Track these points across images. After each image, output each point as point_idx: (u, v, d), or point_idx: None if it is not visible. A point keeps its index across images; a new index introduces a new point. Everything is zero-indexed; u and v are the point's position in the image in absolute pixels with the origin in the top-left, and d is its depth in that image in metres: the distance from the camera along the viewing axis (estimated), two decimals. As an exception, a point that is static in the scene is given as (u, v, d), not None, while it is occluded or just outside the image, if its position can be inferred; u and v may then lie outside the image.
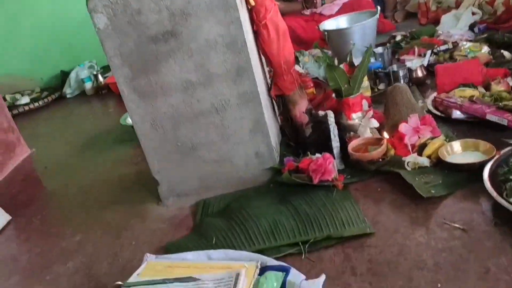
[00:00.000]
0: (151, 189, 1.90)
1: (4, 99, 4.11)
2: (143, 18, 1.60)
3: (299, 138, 1.95)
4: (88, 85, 4.19)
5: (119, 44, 1.63)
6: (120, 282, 1.19)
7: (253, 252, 1.36)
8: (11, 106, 3.97)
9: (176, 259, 1.34)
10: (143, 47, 1.63)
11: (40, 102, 4.13)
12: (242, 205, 1.67)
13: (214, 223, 1.61)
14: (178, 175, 1.83)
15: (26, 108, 4.07)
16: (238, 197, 1.75)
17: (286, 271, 1.21)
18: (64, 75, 4.38)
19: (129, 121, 2.66)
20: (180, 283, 1.15)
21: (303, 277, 1.20)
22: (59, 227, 1.93)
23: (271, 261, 1.27)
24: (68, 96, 4.29)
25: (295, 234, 1.43)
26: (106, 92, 4.03)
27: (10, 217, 2.06)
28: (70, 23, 4.26)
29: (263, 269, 1.22)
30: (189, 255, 1.37)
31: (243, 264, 1.22)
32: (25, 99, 4.16)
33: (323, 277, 1.19)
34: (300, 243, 1.38)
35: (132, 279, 1.21)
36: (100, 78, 4.11)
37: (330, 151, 1.72)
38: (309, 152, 1.75)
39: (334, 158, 1.69)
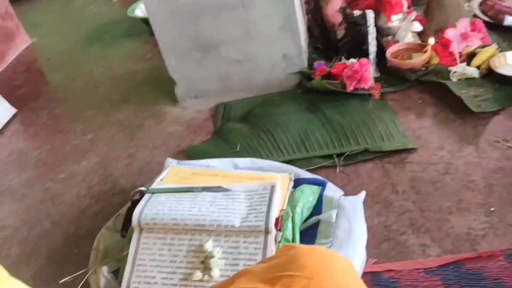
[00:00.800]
0: (166, 89, 1.76)
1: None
2: None
3: (330, 41, 1.77)
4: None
5: None
6: (143, 188, 1.10)
7: (282, 162, 1.26)
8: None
9: (200, 165, 1.24)
10: None
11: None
12: (267, 111, 1.54)
13: (237, 128, 1.50)
14: (197, 74, 1.68)
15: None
16: (262, 102, 1.62)
17: (322, 185, 1.12)
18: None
19: (138, 13, 2.44)
20: (209, 193, 1.06)
21: (341, 192, 1.11)
22: (68, 123, 1.82)
23: (305, 174, 1.18)
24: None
25: (329, 145, 1.33)
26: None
27: (16, 110, 1.94)
28: None
29: (297, 182, 1.13)
30: (214, 162, 1.27)
31: (275, 175, 1.13)
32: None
33: (363, 194, 1.10)
34: (334, 156, 1.28)
35: (155, 185, 1.12)
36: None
37: (365, 56, 1.56)
38: (342, 57, 1.59)
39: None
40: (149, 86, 1.93)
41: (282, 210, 1.01)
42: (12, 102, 1.96)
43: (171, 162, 1.27)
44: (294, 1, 1.54)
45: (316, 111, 1.48)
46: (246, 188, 1.07)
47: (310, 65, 1.65)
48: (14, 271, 0.40)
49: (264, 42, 1.60)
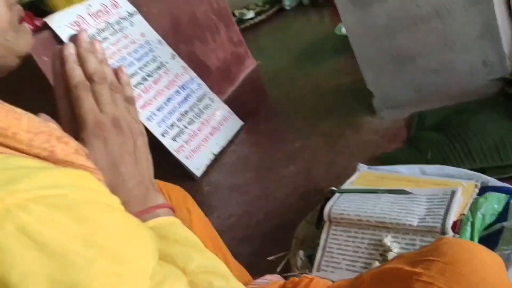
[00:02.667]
0: (365, 100, 1.91)
1: (234, 14, 4.54)
2: None
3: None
4: (305, -5, 4.26)
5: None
6: (334, 188, 1.29)
7: (473, 170, 1.28)
8: (239, 21, 4.36)
9: (389, 171, 1.35)
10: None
11: (263, 16, 4.41)
12: (462, 119, 1.55)
13: (430, 137, 1.55)
14: (393, 86, 1.78)
15: (251, 22, 4.41)
16: (458, 111, 1.62)
17: (510, 193, 1.11)
18: (284, -14, 4.53)
19: (343, 30, 2.65)
20: (392, 195, 1.17)
21: (532, 202, 1.08)
22: (282, 133, 2.14)
23: (493, 182, 1.18)
24: (287, 7, 4.46)
25: (526, 154, 1.28)
26: (322, 2, 4.03)
27: (243, 123, 2.36)
28: None
29: (483, 190, 1.14)
30: (402, 168, 1.36)
31: (461, 182, 1.17)
32: (251, 14, 4.50)
33: (558, 205, 1.05)
34: (531, 165, 1.23)
35: (346, 186, 1.29)
36: (317, -14, 4.12)
37: None
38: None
39: None
40: (350, 99, 2.11)
41: (462, 214, 1.06)
42: (240, 116, 2.40)
43: (362, 167, 1.42)
44: (495, 7, 1.51)
45: (517, 118, 1.42)
46: (427, 192, 1.14)
47: (516, 70, 1.58)
48: (237, 249, 0.58)
49: (462, 50, 1.61)
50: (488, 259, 0.64)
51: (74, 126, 0.55)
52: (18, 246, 0.31)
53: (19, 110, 0.42)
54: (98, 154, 0.54)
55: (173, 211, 0.58)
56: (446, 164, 1.36)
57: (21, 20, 0.50)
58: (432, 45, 1.64)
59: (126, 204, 0.46)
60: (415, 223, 1.06)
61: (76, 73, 0.54)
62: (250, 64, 3.16)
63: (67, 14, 1.84)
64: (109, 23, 2.05)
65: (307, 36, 3.39)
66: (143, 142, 0.59)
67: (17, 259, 0.31)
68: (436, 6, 1.55)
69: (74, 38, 0.56)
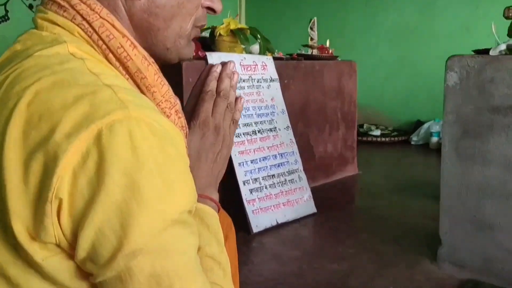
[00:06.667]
0: (433, 247, 1.92)
1: (362, 126, 4.77)
2: (492, 88, 1.64)
3: None
4: (434, 140, 4.34)
5: (459, 104, 1.73)
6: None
7: None
8: (364, 133, 4.56)
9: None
10: (481, 113, 1.68)
11: (387, 139, 4.57)
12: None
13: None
14: (463, 245, 1.78)
15: (375, 139, 4.58)
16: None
17: None
18: (419, 124, 4.67)
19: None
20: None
21: None
22: (344, 235, 2.21)
23: None
24: (412, 142, 4.56)
25: None
26: (448, 152, 4.07)
27: (315, 211, 2.47)
28: (436, 78, 4.49)
29: None
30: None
31: None
32: (377, 132, 4.69)
33: None
34: None
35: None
36: (448, 137, 4.18)
37: None
38: None
39: None
40: (421, 239, 2.12)
41: None
42: (317, 205, 2.51)
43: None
44: None
45: None
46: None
47: None
48: None
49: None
50: None
51: (189, 117, 0.75)
52: (121, 138, 0.46)
53: (165, 81, 0.62)
54: (193, 141, 0.73)
55: (218, 209, 0.74)
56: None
57: (193, 39, 0.71)
58: (516, 225, 1.64)
59: None
60: None
61: (211, 85, 0.75)
62: (352, 171, 3.31)
63: (224, 57, 2.20)
64: (252, 78, 2.38)
65: (416, 173, 3.45)
66: (226, 153, 0.77)
67: (117, 144, 0.46)
68: (533, 191, 1.58)
69: (224, 64, 0.78)
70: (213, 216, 0.70)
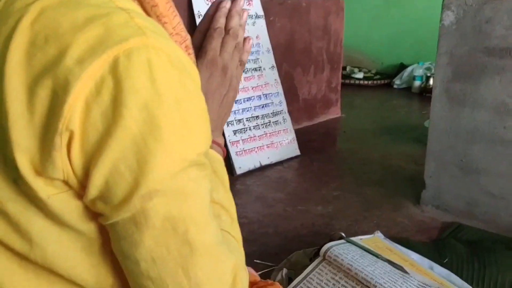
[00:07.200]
0: (416, 190, 1.92)
1: (345, 68, 4.69)
2: (489, 28, 1.58)
3: None
4: (417, 83, 4.31)
5: (454, 45, 1.67)
6: (343, 235, 1.33)
7: (477, 291, 1.27)
8: (346, 76, 4.49)
9: (400, 249, 1.38)
10: (475, 55, 1.62)
11: (369, 82, 4.52)
12: (495, 248, 1.53)
13: (456, 247, 1.54)
14: (448, 189, 1.79)
15: (357, 82, 4.52)
16: (496, 240, 1.60)
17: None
18: (402, 67, 4.61)
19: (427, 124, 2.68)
20: (389, 265, 1.20)
21: None
22: (329, 178, 2.20)
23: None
24: (394, 86, 4.53)
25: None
26: (429, 97, 4.06)
27: (299, 153, 2.44)
28: (424, 20, 4.40)
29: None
30: (414, 255, 1.38)
31: (457, 290, 1.17)
32: (360, 75, 4.62)
33: None
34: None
35: (354, 239, 1.33)
36: (431, 81, 4.15)
37: None
38: None
39: None
40: (404, 182, 2.13)
41: (441, 313, 1.07)
42: (301, 148, 2.48)
43: (379, 234, 1.45)
44: None
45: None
46: (421, 279, 1.16)
47: None
48: (244, 246, 0.65)
49: (527, 189, 1.60)
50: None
51: (195, 55, 0.67)
52: (140, 67, 0.42)
53: (177, 12, 0.56)
54: (200, 80, 0.67)
55: (224, 154, 0.69)
56: (457, 276, 1.36)
57: None
58: (501, 169, 1.65)
59: None
60: (395, 296, 1.08)
61: (220, 21, 0.68)
62: (335, 113, 3.27)
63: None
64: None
65: (399, 117, 3.43)
66: (233, 96, 0.71)
67: (135, 73, 0.42)
68: (523, 136, 1.57)
69: (234, 0, 0.71)
70: (219, 161, 0.66)
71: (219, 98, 0.68)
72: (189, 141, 0.45)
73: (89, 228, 0.46)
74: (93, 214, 0.46)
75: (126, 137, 0.41)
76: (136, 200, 0.42)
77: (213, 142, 0.67)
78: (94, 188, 0.42)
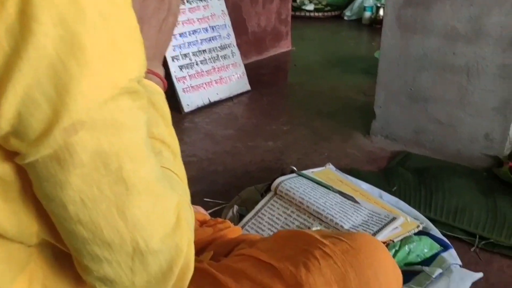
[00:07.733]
0: (366, 121, 1.92)
1: (295, 0, 4.54)
2: (441, -51, 1.51)
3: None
4: (367, 14, 4.24)
5: (404, -32, 1.60)
6: (294, 168, 1.30)
7: (425, 217, 1.29)
8: (297, 8, 4.35)
9: (351, 180, 1.37)
10: (426, -21, 1.57)
11: (320, 14, 4.41)
12: (441, 174, 1.56)
13: (404, 174, 1.56)
14: (397, 118, 1.79)
15: (308, 14, 4.40)
16: (442, 166, 1.63)
17: (445, 247, 1.13)
18: (352, -2, 4.52)
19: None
20: (340, 197, 1.19)
21: (459, 262, 1.10)
22: (278, 113, 2.16)
23: (435, 232, 1.20)
24: (345, 18, 4.45)
25: (478, 226, 1.29)
26: (379, 28, 4.02)
27: (250, 88, 2.37)
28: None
29: (422, 233, 1.16)
30: (364, 185, 1.38)
31: (406, 216, 1.19)
32: (310, 6, 4.49)
33: (479, 275, 1.07)
34: (477, 236, 1.25)
35: (306, 172, 1.30)
36: (381, 12, 4.10)
37: None
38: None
39: None
40: (354, 113, 2.12)
41: (391, 240, 1.07)
42: (251, 83, 2.41)
43: (330, 166, 1.44)
44: (522, 88, 1.52)
45: (488, 196, 1.44)
46: (371, 208, 1.16)
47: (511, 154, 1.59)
48: (193, 185, 0.60)
49: (472, 114, 1.62)
50: (389, 266, 0.66)
51: None
52: None
53: None
54: (134, 3, 0.56)
55: (165, 87, 0.62)
56: (406, 203, 1.38)
57: None
58: (449, 97, 1.65)
59: None
60: (346, 226, 1.08)
61: None
62: (285, 46, 3.18)
63: None
64: None
65: (349, 48, 3.39)
66: (172, 22, 0.62)
67: None
68: (469, 62, 1.56)
69: None
70: (158, 93, 0.58)
71: (157, 23, 0.60)
72: (119, 64, 0.38)
73: (4, 170, 0.39)
74: (7, 153, 0.39)
75: (39, 59, 0.35)
76: (57, 133, 0.36)
77: (152, 72, 0.59)
78: (5, 121, 0.36)
